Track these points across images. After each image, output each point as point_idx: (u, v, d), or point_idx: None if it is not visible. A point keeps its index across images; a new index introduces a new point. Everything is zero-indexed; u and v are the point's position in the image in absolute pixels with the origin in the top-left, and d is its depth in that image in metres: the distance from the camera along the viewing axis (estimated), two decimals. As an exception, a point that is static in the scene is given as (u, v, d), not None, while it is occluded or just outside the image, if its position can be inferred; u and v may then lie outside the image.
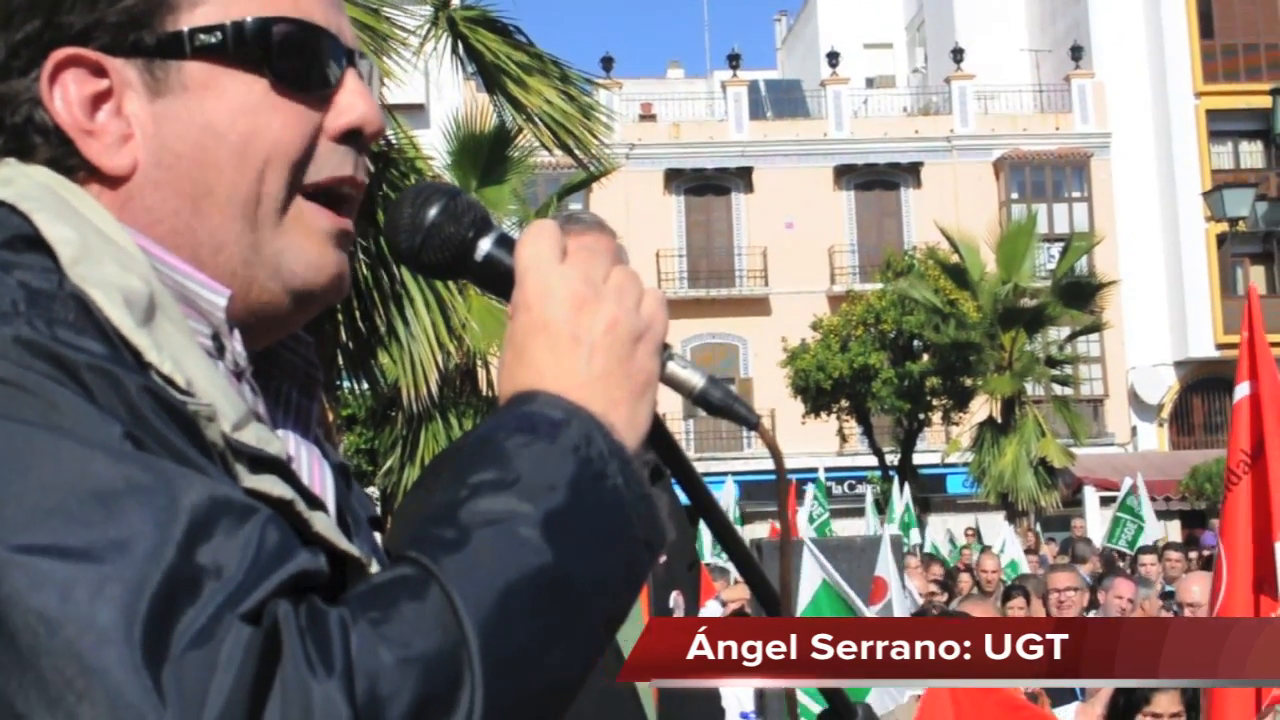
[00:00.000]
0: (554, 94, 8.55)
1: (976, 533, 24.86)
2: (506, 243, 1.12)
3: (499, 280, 1.11)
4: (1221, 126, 40.25)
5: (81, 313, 0.97)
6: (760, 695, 6.97)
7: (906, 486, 23.23)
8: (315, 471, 1.16)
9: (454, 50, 8.80)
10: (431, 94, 33.46)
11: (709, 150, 41.01)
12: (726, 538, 1.24)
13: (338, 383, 9.24)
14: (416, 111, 31.89)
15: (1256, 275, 40.42)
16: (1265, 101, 21.86)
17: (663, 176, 40.82)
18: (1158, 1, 40.74)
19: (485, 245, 1.12)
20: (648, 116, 42.27)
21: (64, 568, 0.85)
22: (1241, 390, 5.37)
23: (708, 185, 41.37)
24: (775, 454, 1.18)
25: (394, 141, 9.29)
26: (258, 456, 1.01)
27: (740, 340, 40.80)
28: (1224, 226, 23.08)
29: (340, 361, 8.84)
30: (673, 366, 1.12)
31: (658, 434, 1.12)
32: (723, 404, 1.14)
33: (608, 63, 39.94)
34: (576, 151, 8.86)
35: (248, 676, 0.85)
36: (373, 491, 22.58)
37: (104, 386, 0.94)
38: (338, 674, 0.86)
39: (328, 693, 0.86)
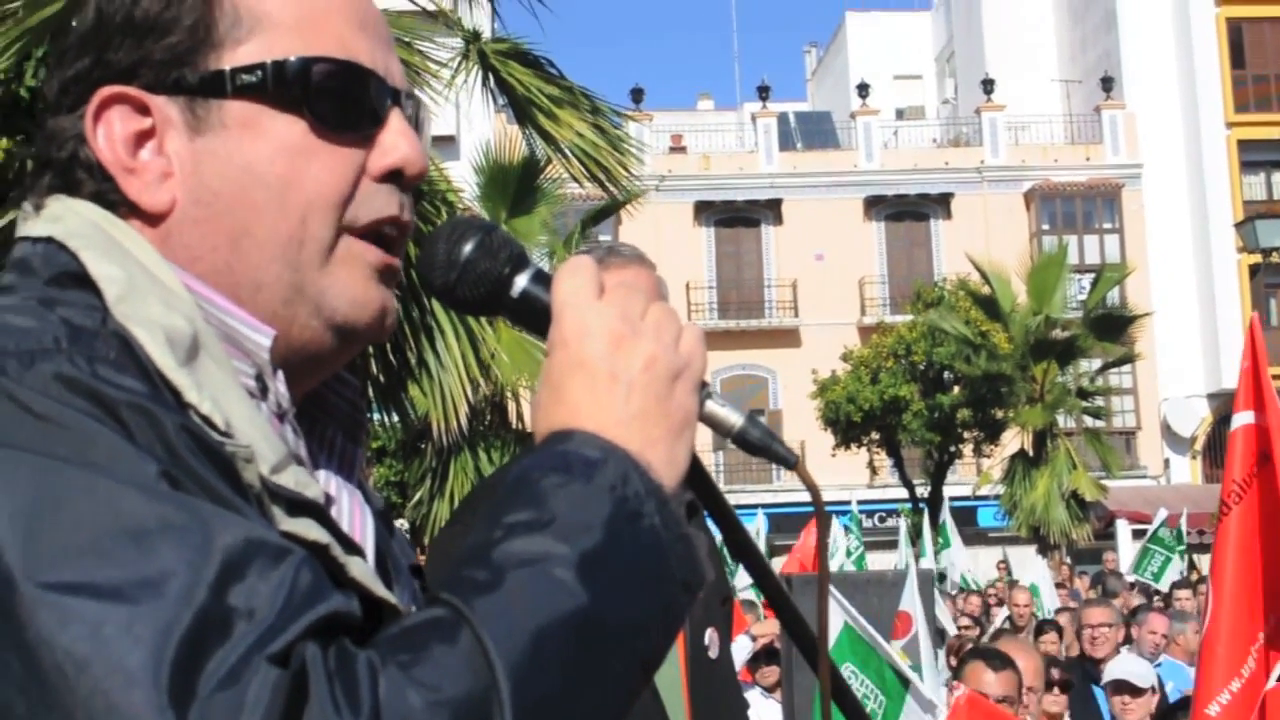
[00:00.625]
0: (584, 126, 8.56)
1: (1007, 566, 24.72)
2: (543, 279, 1.11)
3: (535, 317, 1.10)
4: (1254, 157, 40.13)
5: (123, 351, 0.98)
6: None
7: (944, 507, 23.11)
8: (356, 516, 1.16)
9: (484, 83, 8.83)
10: (462, 125, 33.65)
11: (739, 182, 41.08)
12: (762, 576, 1.23)
13: (368, 415, 9.25)
14: (447, 143, 32.10)
15: (1290, 306, 40.21)
16: (1298, 132, 21.76)
17: (693, 208, 40.90)
18: (1189, 31, 40.69)
19: (521, 281, 1.11)
20: (678, 148, 42.39)
21: (94, 607, 0.85)
22: (1240, 419, 5.35)
23: (738, 217, 41.42)
24: (814, 493, 1.16)
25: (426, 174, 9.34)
26: (295, 500, 1.00)
27: (770, 372, 40.76)
28: (1257, 257, 22.96)
29: (370, 394, 8.85)
30: (711, 405, 1.10)
31: (695, 472, 1.10)
32: (762, 443, 1.13)
33: (638, 94, 40.06)
34: (608, 185, 8.87)
35: (274, 718, 0.84)
36: (402, 524, 22.63)
37: (142, 425, 0.94)
38: (365, 716, 0.85)
39: None
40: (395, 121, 1.16)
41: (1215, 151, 40.03)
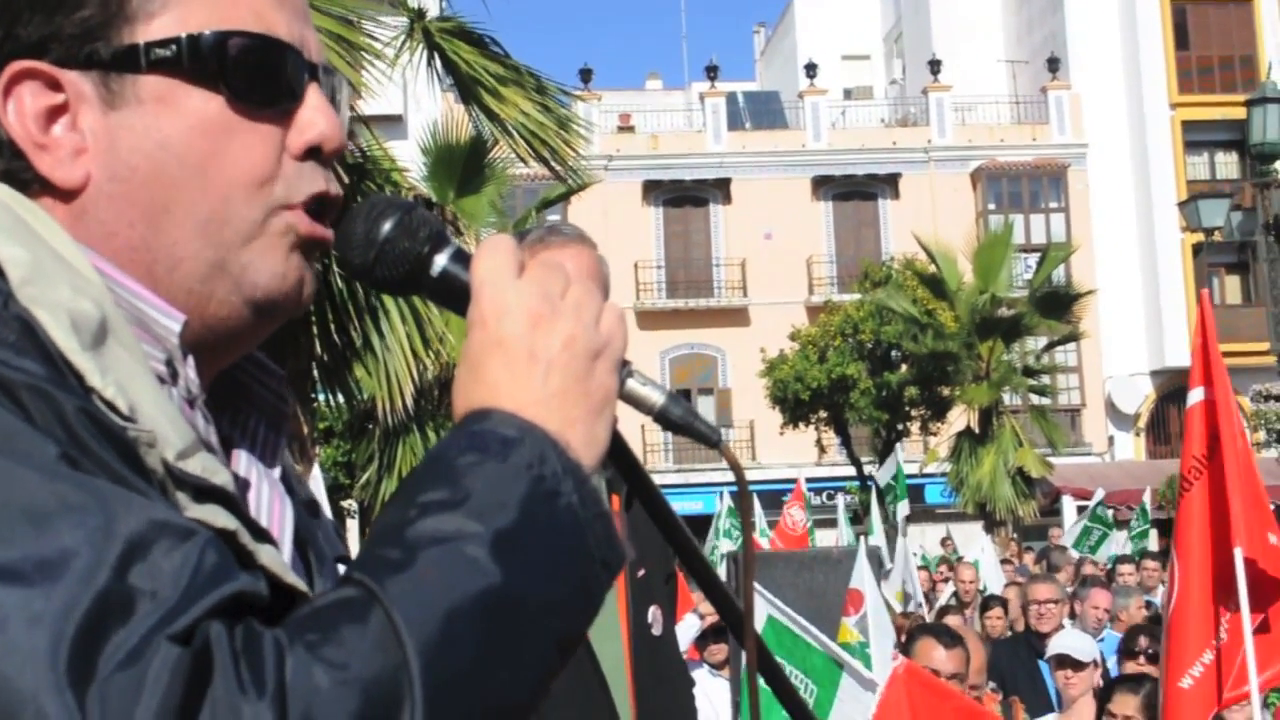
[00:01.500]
0: (530, 106, 8.53)
1: (952, 543, 24.92)
2: (463, 258, 1.10)
3: (455, 296, 1.09)
4: (1197, 137, 40.52)
5: (24, 334, 0.95)
6: (736, 708, 6.96)
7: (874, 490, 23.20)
8: (275, 506, 1.15)
9: (429, 62, 8.78)
10: (409, 105, 33.44)
11: (687, 161, 41.08)
12: (690, 556, 1.23)
13: (313, 396, 9.20)
14: (394, 123, 31.85)
15: (1231, 285, 40.69)
16: (1240, 113, 21.98)
17: (641, 187, 40.88)
18: (1133, 14, 40.98)
19: (441, 260, 1.10)
20: (626, 128, 42.33)
21: None
22: (1195, 396, 5.43)
23: (686, 196, 41.43)
24: (737, 471, 1.16)
25: (369, 152, 9.27)
26: (202, 486, 0.99)
27: (719, 351, 40.84)
28: (1200, 236, 23.17)
29: (315, 375, 8.80)
30: (632, 384, 1.10)
31: (618, 451, 1.10)
32: (683, 421, 1.13)
33: (586, 74, 39.99)
34: (553, 164, 8.84)
35: (175, 697, 0.83)
36: (350, 504, 22.53)
37: (41, 407, 0.92)
38: (269, 695, 0.84)
39: (258, 713, 0.84)
40: (313, 97, 1.14)
41: (1159, 132, 40.38)
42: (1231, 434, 5.18)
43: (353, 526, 22.79)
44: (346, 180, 8.06)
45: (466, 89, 8.68)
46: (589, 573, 0.99)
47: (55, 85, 1.08)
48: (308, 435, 8.63)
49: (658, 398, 1.11)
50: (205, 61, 1.09)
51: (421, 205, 1.14)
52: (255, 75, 1.11)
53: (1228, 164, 40.67)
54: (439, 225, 1.12)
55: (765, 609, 5.70)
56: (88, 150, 1.08)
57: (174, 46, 1.09)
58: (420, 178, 14.53)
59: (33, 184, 1.08)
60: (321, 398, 9.78)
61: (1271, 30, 41.10)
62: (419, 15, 8.83)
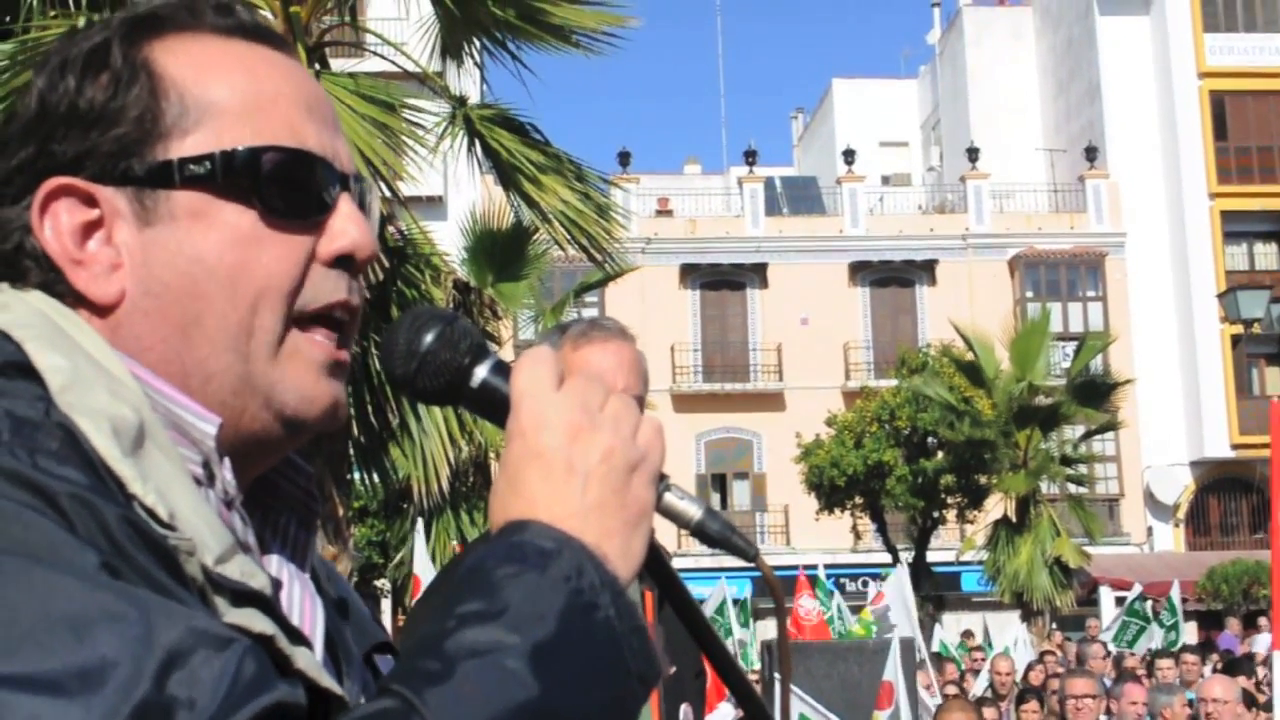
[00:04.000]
0: (569, 193, 8.60)
1: (973, 635, 24.65)
2: (503, 369, 1.11)
3: (495, 407, 1.10)
4: (1236, 228, 40.41)
5: (66, 441, 0.97)
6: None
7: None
8: (306, 606, 1.15)
9: (470, 148, 8.87)
10: (450, 187, 33.74)
11: (725, 245, 41.23)
12: (723, 664, 1.23)
13: (349, 476, 9.23)
14: (434, 204, 32.16)
15: (1272, 376, 40.37)
16: (1279, 203, 21.92)
17: (679, 271, 41.02)
18: (1172, 102, 41.07)
19: (481, 372, 1.11)
20: (664, 211, 42.56)
21: (31, 701, 0.83)
22: None
23: (723, 280, 41.54)
24: (773, 587, 1.16)
25: (409, 235, 9.35)
26: (240, 590, 0.99)
27: (754, 435, 40.74)
28: (1239, 328, 23.07)
29: (351, 454, 8.84)
30: (669, 497, 1.10)
31: (654, 563, 1.10)
32: (720, 535, 1.13)
33: (625, 158, 40.31)
34: (592, 251, 8.89)
35: None
36: (383, 584, 22.49)
37: (84, 516, 0.93)
38: None
39: None
40: (344, 206, 1.16)
41: (1198, 221, 40.31)
42: None
43: (385, 606, 22.73)
44: (387, 264, 8.14)
45: (506, 175, 8.76)
46: (625, 687, 0.99)
47: (90, 201, 1.10)
48: (343, 516, 8.65)
49: (695, 512, 1.12)
50: (239, 177, 1.10)
51: (463, 317, 1.15)
52: (288, 189, 1.12)
53: (1267, 254, 40.54)
54: (480, 337, 1.13)
55: (798, 707, 5.65)
56: (123, 266, 1.09)
57: (208, 163, 1.10)
58: (459, 261, 14.64)
59: (67, 298, 1.09)
60: (357, 476, 9.82)
61: (1311, 122, 41.10)
62: (461, 102, 8.94)
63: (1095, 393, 30.15)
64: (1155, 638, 18.20)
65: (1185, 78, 41.03)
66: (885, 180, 48.48)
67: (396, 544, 15.40)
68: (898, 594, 14.09)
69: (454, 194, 33.43)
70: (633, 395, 2.80)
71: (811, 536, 37.29)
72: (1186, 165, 40.60)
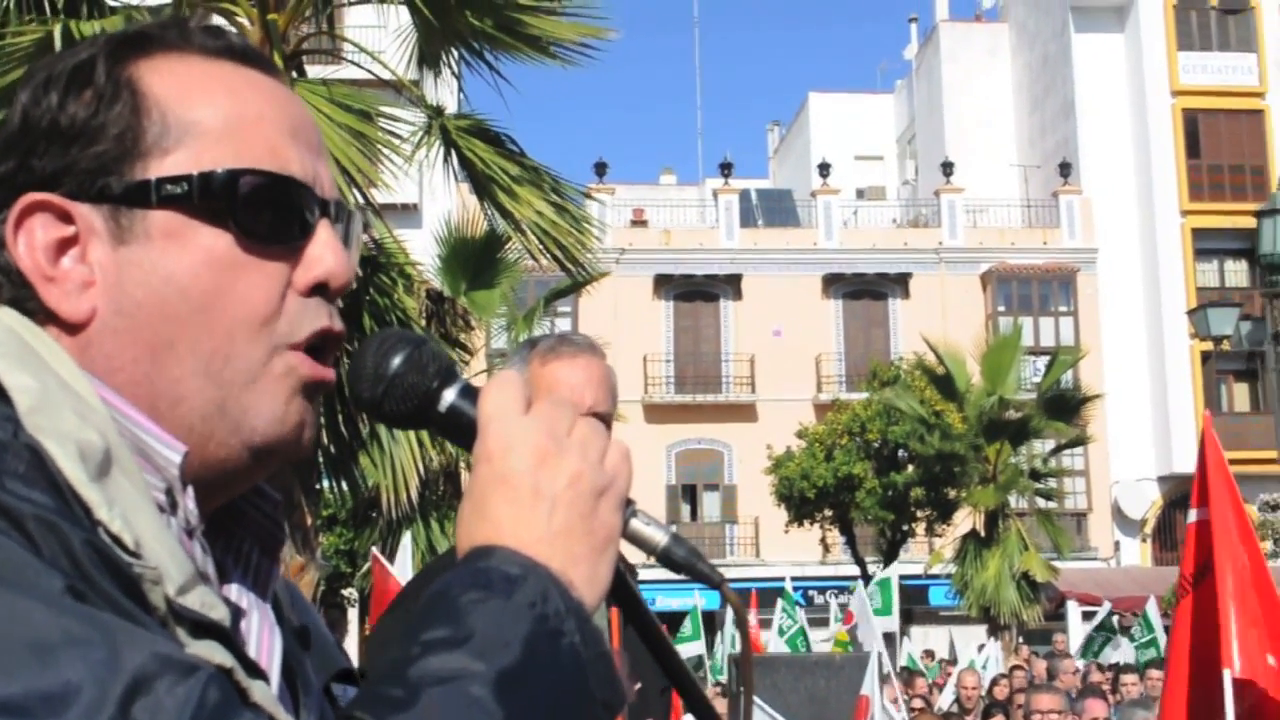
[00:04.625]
0: (544, 205, 8.59)
1: (933, 655, 24.75)
2: (471, 393, 1.11)
3: (463, 431, 1.10)
4: (1207, 245, 40.67)
5: (34, 464, 0.96)
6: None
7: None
8: (265, 636, 1.14)
9: (446, 158, 8.85)
10: (425, 195, 33.70)
11: (699, 257, 41.27)
12: (682, 682, 1.24)
13: (318, 485, 9.20)
14: (409, 212, 32.11)
15: (1240, 392, 40.66)
16: (1249, 221, 22.09)
17: (652, 282, 41.03)
18: (1145, 121, 41.34)
19: (449, 396, 1.11)
20: (639, 222, 42.57)
21: None
22: (1193, 515, 5.44)
23: (697, 291, 41.57)
24: (739, 613, 1.17)
25: (382, 244, 9.33)
26: (200, 622, 0.99)
27: (725, 446, 40.76)
28: (1209, 344, 23.20)
29: (321, 463, 8.81)
30: (636, 523, 1.11)
31: (620, 588, 1.11)
32: (686, 562, 1.14)
33: (601, 168, 40.34)
34: (566, 262, 8.88)
35: None
36: (351, 593, 22.40)
37: (49, 539, 0.92)
38: None
39: None
40: (323, 233, 1.14)
41: (1169, 238, 40.56)
42: (1227, 554, 5.16)
43: (353, 615, 22.64)
44: (360, 273, 8.12)
45: (482, 186, 8.75)
46: (590, 713, 0.99)
47: (66, 218, 1.08)
48: (311, 524, 8.62)
49: (661, 538, 1.12)
50: (216, 199, 1.09)
51: (432, 340, 1.15)
52: (266, 213, 1.10)
53: (1237, 272, 40.80)
54: (448, 360, 1.13)
55: None
56: (95, 284, 1.08)
57: (185, 184, 1.08)
58: (433, 270, 14.61)
59: (38, 314, 1.08)
60: (326, 484, 9.78)
61: (1282, 141, 41.42)
62: (437, 112, 8.92)
63: (1065, 407, 30.26)
64: (1123, 649, 18.29)
65: (1159, 96, 41.30)
66: (860, 194, 48.67)
67: (365, 553, 15.33)
68: (862, 611, 14.16)
69: (429, 201, 33.39)
70: (602, 411, 2.80)
71: (781, 548, 37.35)
72: (1159, 182, 40.86)
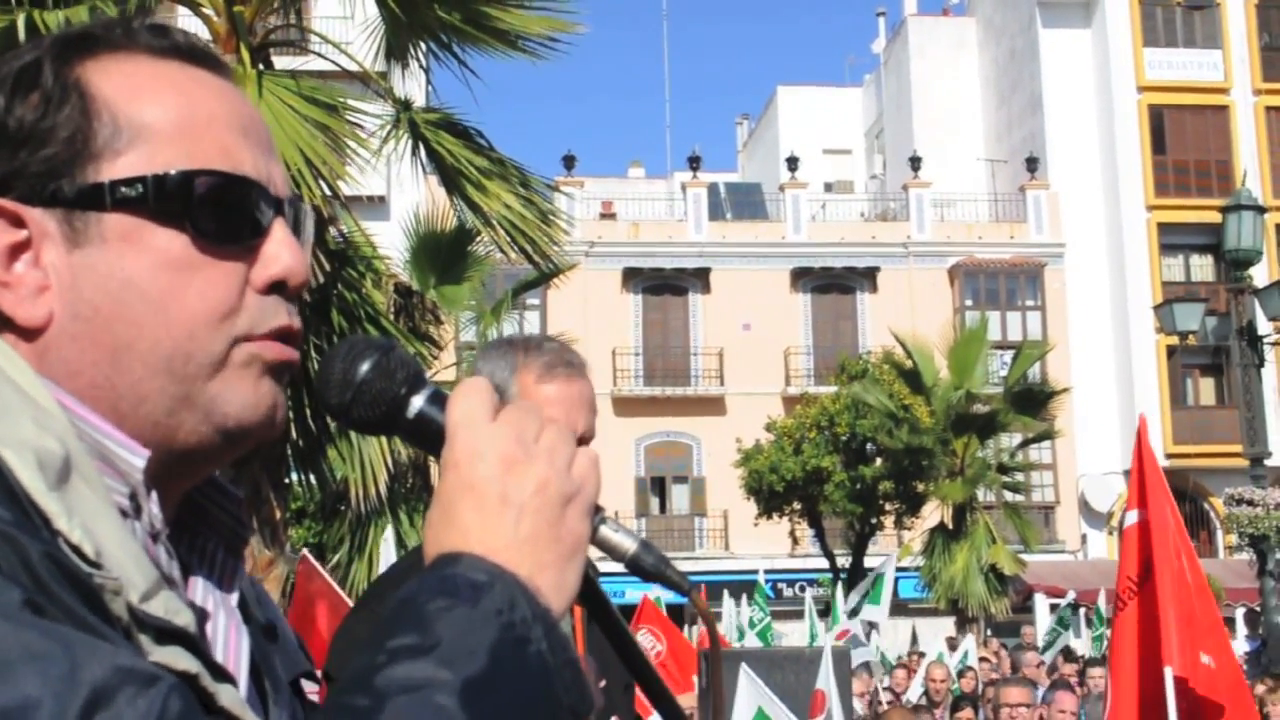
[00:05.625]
0: (513, 199, 8.57)
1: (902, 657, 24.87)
2: (439, 400, 1.11)
3: (431, 438, 1.10)
4: (1173, 240, 40.93)
5: None
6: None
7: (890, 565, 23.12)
8: (231, 636, 1.13)
9: (414, 152, 8.83)
10: (393, 187, 33.60)
11: (668, 250, 41.30)
12: (647, 681, 1.24)
13: (286, 478, 9.16)
14: (377, 205, 32.01)
15: (1205, 387, 40.93)
16: (1215, 217, 22.22)
17: (621, 275, 41.04)
18: (1111, 116, 41.56)
19: (418, 403, 1.10)
20: (608, 215, 42.58)
21: None
22: (1130, 518, 5.47)
23: (666, 285, 41.60)
24: (707, 620, 1.17)
25: (350, 238, 9.30)
26: (165, 628, 0.98)
27: (694, 440, 40.81)
28: (1174, 339, 23.33)
29: (289, 456, 8.78)
30: (605, 530, 1.10)
31: (589, 593, 1.10)
32: (654, 569, 1.13)
33: (569, 161, 40.33)
34: (534, 256, 8.87)
35: None
36: (319, 586, 22.38)
37: (6, 552, 0.91)
38: None
39: None
40: (278, 231, 1.14)
41: (1135, 233, 40.80)
42: (1166, 555, 5.21)
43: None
44: (329, 267, 8.09)
45: (450, 179, 8.72)
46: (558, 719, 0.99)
47: (18, 222, 1.07)
48: (280, 518, 8.59)
49: (629, 545, 1.12)
50: (171, 201, 1.08)
51: (399, 346, 1.15)
52: (220, 213, 1.10)
53: (1203, 266, 41.07)
54: (416, 367, 1.12)
55: (756, 702, 5.70)
56: (50, 288, 1.07)
57: (140, 186, 1.08)
58: (401, 264, 14.56)
59: None
60: (294, 478, 9.74)
61: (1246, 137, 41.70)
62: (405, 105, 8.89)
63: (1032, 401, 30.43)
64: (1074, 641, 18.48)
65: (1125, 91, 41.53)
66: (828, 187, 48.80)
67: (334, 546, 15.28)
68: (831, 686, 14.14)
69: (397, 194, 33.29)
70: (586, 430, 2.78)
71: (750, 541, 37.43)
72: (1125, 177, 41.09)
